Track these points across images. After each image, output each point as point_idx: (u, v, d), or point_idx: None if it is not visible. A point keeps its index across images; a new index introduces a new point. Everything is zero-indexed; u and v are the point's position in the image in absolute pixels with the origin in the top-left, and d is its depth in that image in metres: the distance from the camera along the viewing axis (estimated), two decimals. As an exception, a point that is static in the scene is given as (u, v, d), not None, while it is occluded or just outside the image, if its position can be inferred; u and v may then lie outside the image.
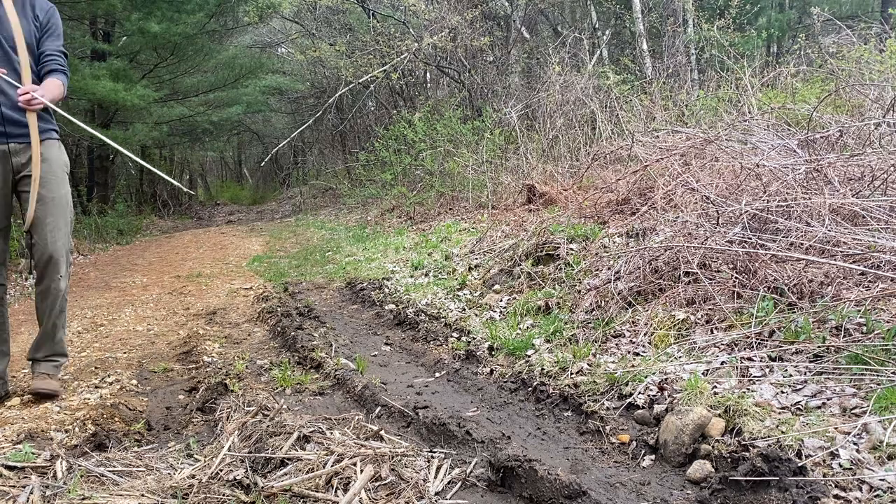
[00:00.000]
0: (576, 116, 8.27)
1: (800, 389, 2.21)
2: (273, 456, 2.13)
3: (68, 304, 3.12)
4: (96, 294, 5.95)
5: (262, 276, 6.47)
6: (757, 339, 2.58)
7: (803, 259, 2.83)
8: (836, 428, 1.93)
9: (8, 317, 3.05)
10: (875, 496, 1.67)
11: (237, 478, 2.02)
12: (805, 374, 2.29)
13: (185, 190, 3.34)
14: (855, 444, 1.86)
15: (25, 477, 2.10)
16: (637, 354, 2.85)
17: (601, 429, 2.34)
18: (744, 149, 4.32)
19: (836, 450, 1.84)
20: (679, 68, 9.89)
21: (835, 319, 2.49)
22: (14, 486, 2.03)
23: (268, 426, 2.32)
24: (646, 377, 2.53)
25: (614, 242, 4.20)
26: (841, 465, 1.79)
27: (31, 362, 3.03)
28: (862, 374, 2.17)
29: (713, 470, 1.95)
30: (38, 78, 2.91)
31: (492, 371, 3.12)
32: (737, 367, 2.43)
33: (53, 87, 2.86)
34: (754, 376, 2.37)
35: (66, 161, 3.00)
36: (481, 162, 8.46)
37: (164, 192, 17.74)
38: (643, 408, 2.39)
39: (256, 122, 20.97)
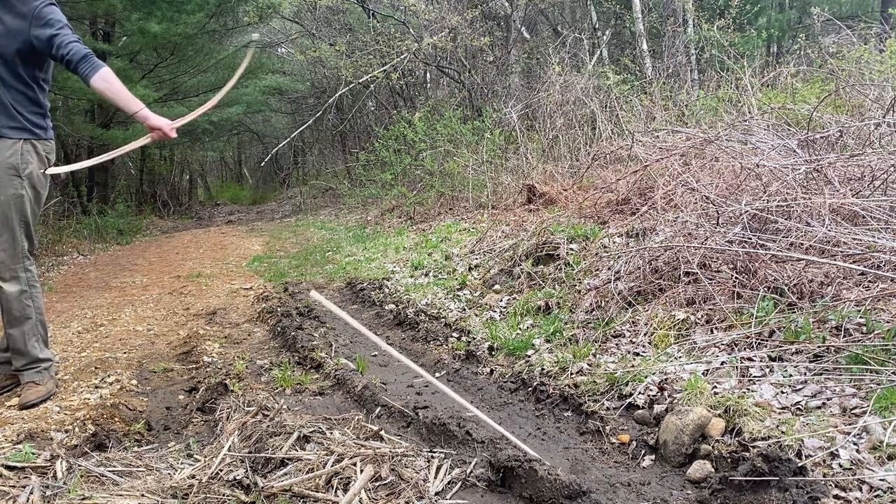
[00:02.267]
0: (576, 116, 8.27)
1: (800, 389, 2.21)
2: (273, 456, 2.13)
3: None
4: (96, 294, 5.95)
5: (262, 276, 6.47)
6: (757, 339, 2.58)
7: (803, 259, 2.83)
8: (836, 428, 1.93)
9: None
10: (875, 496, 1.67)
11: (237, 478, 2.02)
12: (805, 374, 2.29)
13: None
14: (855, 444, 1.86)
15: (25, 477, 2.10)
16: (637, 354, 2.85)
17: (601, 429, 2.34)
18: (744, 149, 4.32)
19: (836, 450, 1.84)
20: (679, 68, 9.90)
21: (835, 319, 2.49)
22: (14, 486, 2.03)
23: (268, 426, 2.32)
24: (646, 377, 2.53)
25: (614, 242, 4.20)
26: (841, 465, 1.79)
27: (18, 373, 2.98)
28: (862, 374, 2.17)
29: (713, 470, 1.95)
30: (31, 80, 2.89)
31: (492, 371, 3.12)
32: (737, 367, 2.43)
33: (116, 87, 3.07)
34: (754, 376, 2.37)
35: (13, 163, 2.82)
36: (481, 162, 8.46)
37: (164, 192, 17.75)
38: (643, 408, 2.39)
39: (256, 122, 20.96)
